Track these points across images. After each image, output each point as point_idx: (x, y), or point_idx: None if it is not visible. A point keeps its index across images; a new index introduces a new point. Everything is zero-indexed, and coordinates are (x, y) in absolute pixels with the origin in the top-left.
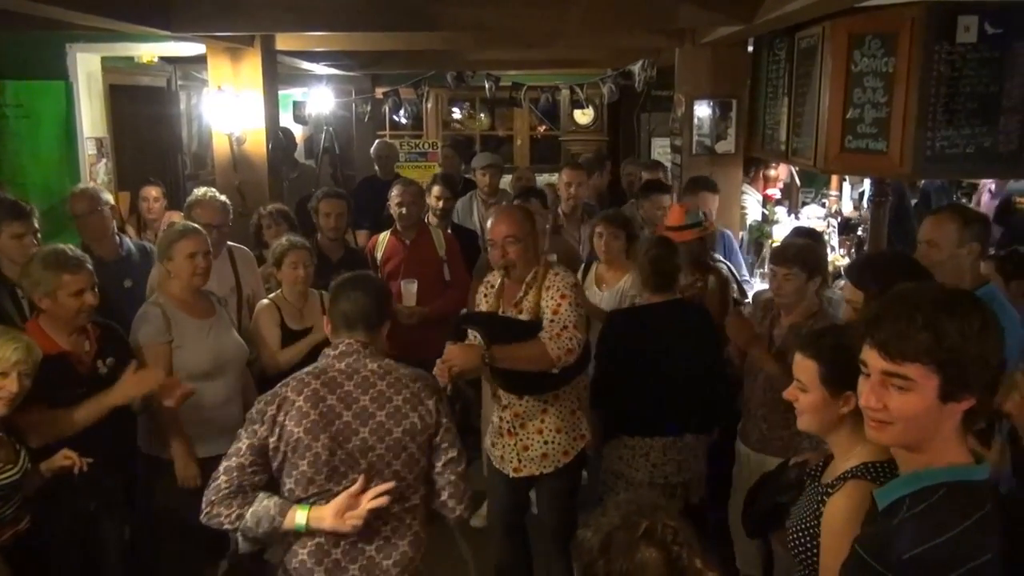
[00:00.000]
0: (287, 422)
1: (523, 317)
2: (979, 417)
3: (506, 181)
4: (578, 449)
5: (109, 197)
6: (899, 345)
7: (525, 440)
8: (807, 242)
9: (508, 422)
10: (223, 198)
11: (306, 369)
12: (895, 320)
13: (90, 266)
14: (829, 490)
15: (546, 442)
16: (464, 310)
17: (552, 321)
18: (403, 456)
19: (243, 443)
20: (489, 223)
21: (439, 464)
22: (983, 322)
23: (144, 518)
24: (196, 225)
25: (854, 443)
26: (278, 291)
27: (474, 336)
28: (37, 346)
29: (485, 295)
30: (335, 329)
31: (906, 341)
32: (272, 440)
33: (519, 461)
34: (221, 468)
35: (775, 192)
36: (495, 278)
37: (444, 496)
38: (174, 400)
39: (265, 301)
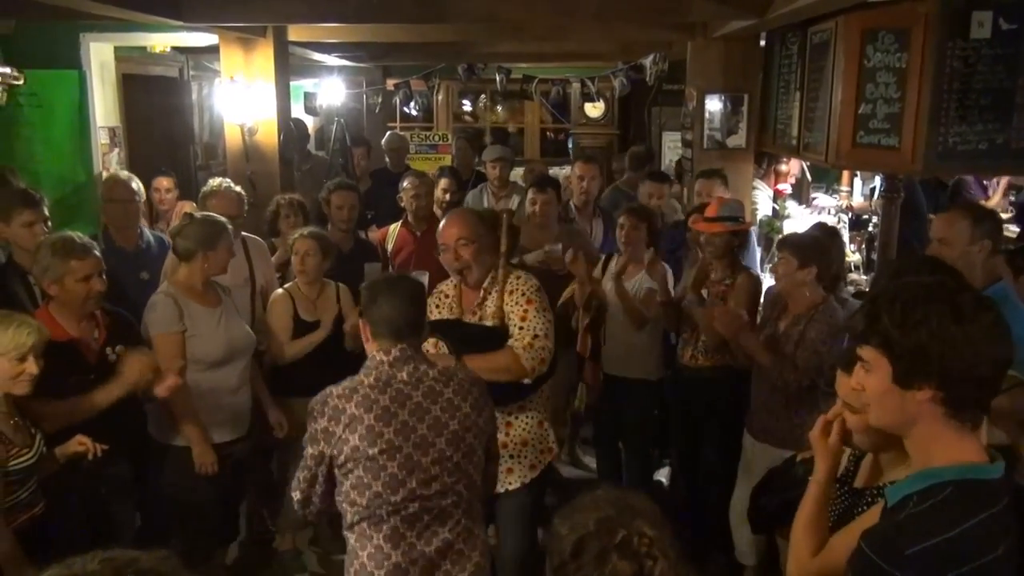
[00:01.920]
0: (357, 441)
1: (489, 323)
2: (969, 413)
3: (516, 174)
4: (545, 463)
5: (142, 189)
6: (862, 328)
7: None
8: (811, 233)
9: None
10: (238, 189)
11: (365, 381)
12: (868, 305)
13: (98, 252)
14: (877, 496)
15: (511, 456)
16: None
17: (521, 328)
18: (474, 459)
19: (309, 458)
20: (440, 225)
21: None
22: (956, 318)
23: (154, 503)
24: (222, 222)
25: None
26: (293, 282)
27: (436, 344)
28: (43, 326)
29: (437, 306)
30: (377, 335)
31: (866, 325)
32: (340, 458)
33: None
34: (299, 476)
35: (786, 187)
36: (448, 287)
37: (491, 486)
38: (164, 390)
39: (280, 291)
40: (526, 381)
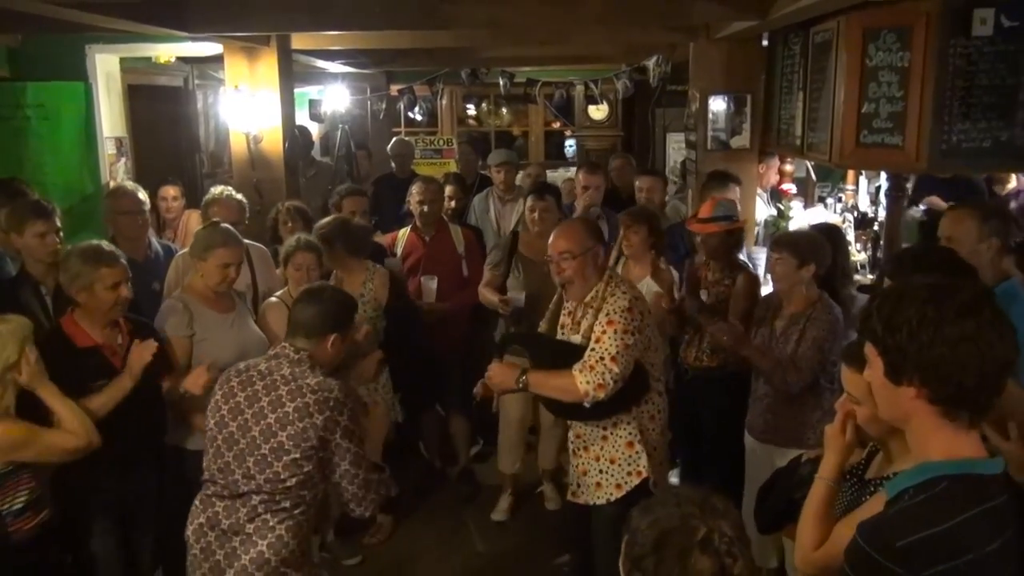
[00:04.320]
0: (209, 411)
1: (577, 339)
2: (964, 411)
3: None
4: (631, 485)
5: (147, 200)
6: (860, 324)
7: (585, 464)
8: (806, 230)
9: (572, 442)
10: (240, 196)
11: (239, 364)
12: (867, 303)
13: (124, 260)
14: (880, 486)
15: (601, 471)
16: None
17: (593, 350)
18: (284, 459)
19: None
20: (551, 236)
21: (335, 476)
22: (937, 322)
23: (173, 506)
24: (237, 234)
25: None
26: (285, 288)
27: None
28: (23, 319)
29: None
30: (287, 332)
31: (862, 322)
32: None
33: (577, 485)
34: None
35: (791, 187)
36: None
37: (346, 499)
38: (197, 387)
39: (273, 299)
40: (585, 404)
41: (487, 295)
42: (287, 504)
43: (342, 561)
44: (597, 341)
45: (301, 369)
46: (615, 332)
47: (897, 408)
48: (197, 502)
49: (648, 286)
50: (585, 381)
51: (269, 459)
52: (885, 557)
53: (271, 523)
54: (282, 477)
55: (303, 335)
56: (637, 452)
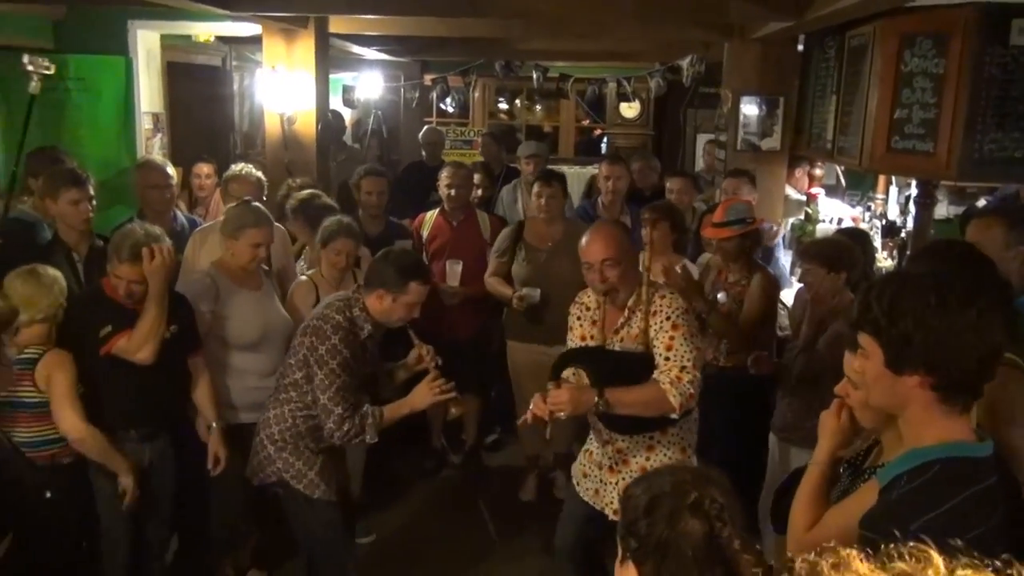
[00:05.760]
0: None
1: (626, 347)
2: (960, 397)
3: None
4: None
5: (175, 174)
6: (855, 316)
7: (628, 480)
8: (834, 236)
9: (610, 457)
10: (259, 174)
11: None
12: (862, 294)
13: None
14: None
15: None
16: (567, 345)
17: (667, 359)
18: (288, 361)
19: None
20: (583, 241)
21: (311, 385)
22: (941, 310)
23: (191, 478)
24: (268, 214)
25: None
26: (316, 269)
27: (573, 373)
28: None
29: (579, 318)
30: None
31: (859, 313)
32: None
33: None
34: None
35: (819, 191)
36: (589, 299)
37: (320, 416)
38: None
39: (303, 278)
40: (673, 416)
41: (498, 288)
42: (283, 396)
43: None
44: (669, 348)
45: (341, 303)
46: (683, 337)
47: (894, 397)
48: None
49: None
50: (678, 393)
51: (288, 359)
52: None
53: (277, 401)
54: (285, 374)
55: (364, 282)
56: (689, 458)
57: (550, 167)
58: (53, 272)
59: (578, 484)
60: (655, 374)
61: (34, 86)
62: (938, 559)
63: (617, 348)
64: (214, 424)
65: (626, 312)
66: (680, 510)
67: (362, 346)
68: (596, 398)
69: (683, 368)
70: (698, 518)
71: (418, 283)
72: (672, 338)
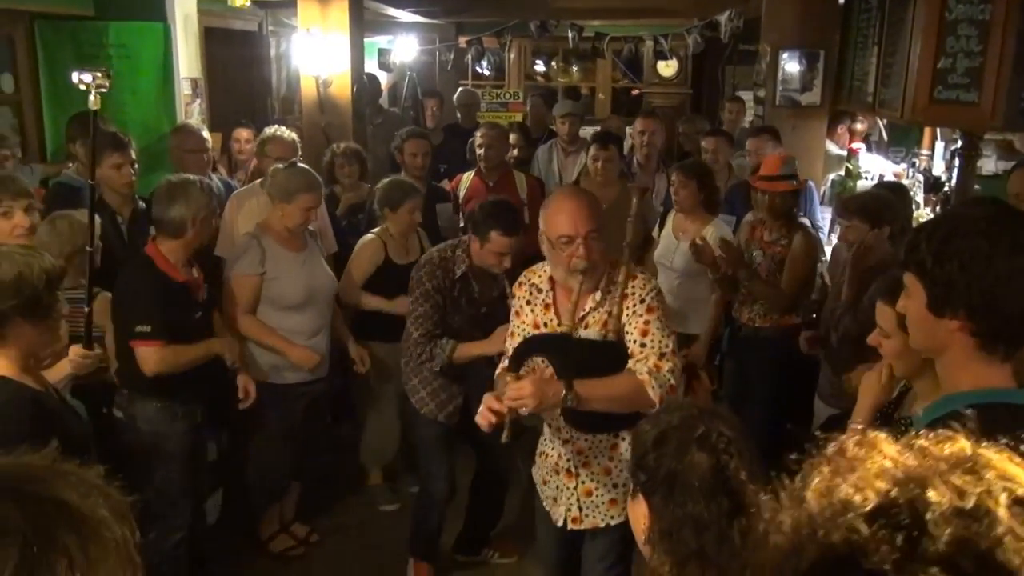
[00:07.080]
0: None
1: (592, 335)
2: (1002, 345)
3: (588, 132)
4: None
5: (210, 139)
6: (903, 255)
7: (588, 483)
8: (874, 191)
9: (568, 459)
10: (293, 135)
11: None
12: (912, 233)
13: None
14: (909, 425)
15: (615, 485)
16: (514, 334)
17: (643, 345)
18: None
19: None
20: (554, 208)
21: None
22: (990, 255)
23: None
24: (318, 178)
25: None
26: (383, 227)
27: (542, 362)
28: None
29: (529, 302)
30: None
31: (907, 252)
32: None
33: (579, 510)
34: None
35: (860, 146)
36: (538, 278)
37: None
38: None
39: (370, 236)
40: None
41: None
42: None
43: (379, 507)
44: (645, 334)
45: (451, 243)
46: (659, 320)
47: (934, 339)
48: None
49: (711, 235)
50: (657, 385)
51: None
52: None
53: None
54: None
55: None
56: None
57: (607, 130)
58: (66, 217)
59: (541, 493)
60: (630, 363)
61: (92, 101)
62: (964, 440)
63: (583, 336)
64: (237, 364)
65: (598, 294)
66: (687, 443)
67: (455, 284)
68: (564, 392)
69: (662, 355)
70: (705, 451)
71: (498, 232)
72: (647, 323)
